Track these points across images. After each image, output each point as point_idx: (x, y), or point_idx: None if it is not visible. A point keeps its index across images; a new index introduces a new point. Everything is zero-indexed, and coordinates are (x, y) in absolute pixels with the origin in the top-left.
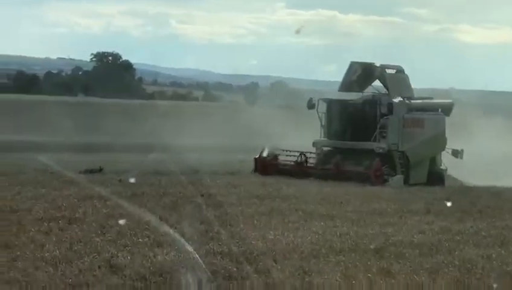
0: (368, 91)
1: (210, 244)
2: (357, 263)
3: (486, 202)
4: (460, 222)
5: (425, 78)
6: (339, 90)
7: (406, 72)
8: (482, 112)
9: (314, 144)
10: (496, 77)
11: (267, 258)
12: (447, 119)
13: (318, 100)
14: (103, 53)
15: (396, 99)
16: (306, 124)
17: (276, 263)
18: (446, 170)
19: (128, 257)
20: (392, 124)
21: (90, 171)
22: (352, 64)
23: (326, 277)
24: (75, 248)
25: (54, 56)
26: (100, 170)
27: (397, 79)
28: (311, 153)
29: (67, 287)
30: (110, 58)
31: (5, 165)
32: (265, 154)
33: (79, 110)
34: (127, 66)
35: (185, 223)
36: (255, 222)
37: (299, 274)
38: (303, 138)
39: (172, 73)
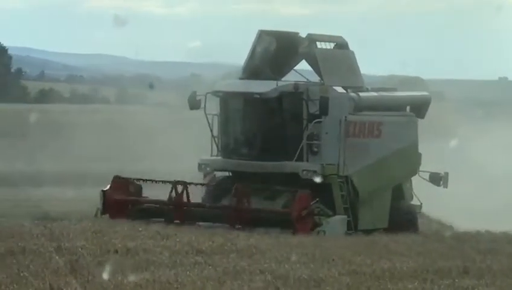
0: (289, 79)
1: None
2: None
3: None
4: None
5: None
6: (241, 78)
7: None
8: None
9: (200, 167)
10: None
11: None
12: (422, 124)
13: (206, 94)
14: None
15: (335, 91)
16: None
17: None
18: (421, 206)
19: None
20: (327, 132)
21: None
22: (262, 35)
23: None
24: None
25: None
26: None
27: (336, 58)
28: (198, 185)
29: None
30: None
31: None
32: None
33: None
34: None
35: None
36: None
37: None
38: None
39: (68, 62)
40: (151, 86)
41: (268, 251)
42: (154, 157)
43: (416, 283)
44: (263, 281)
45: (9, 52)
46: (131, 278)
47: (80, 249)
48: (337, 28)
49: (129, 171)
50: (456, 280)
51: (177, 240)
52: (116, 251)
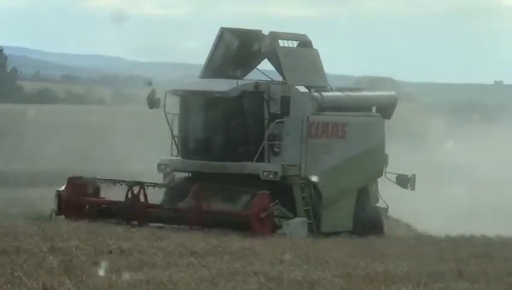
0: (252, 78)
1: None
2: None
3: None
4: None
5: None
6: (200, 77)
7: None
8: None
9: (159, 167)
10: None
11: None
12: (388, 124)
13: (166, 93)
14: None
15: (297, 91)
16: None
17: None
18: (387, 209)
19: None
20: (289, 133)
21: None
22: (224, 33)
23: None
24: None
25: None
26: None
27: (299, 57)
28: (157, 185)
29: None
30: None
31: None
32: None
33: None
34: None
35: None
36: None
37: None
38: None
39: (64, 62)
40: (149, 84)
41: (262, 252)
42: (148, 158)
43: (409, 286)
44: (257, 283)
45: (4, 52)
46: (125, 278)
47: (73, 250)
48: (328, 30)
49: (121, 172)
50: (450, 284)
51: (171, 241)
52: (111, 252)
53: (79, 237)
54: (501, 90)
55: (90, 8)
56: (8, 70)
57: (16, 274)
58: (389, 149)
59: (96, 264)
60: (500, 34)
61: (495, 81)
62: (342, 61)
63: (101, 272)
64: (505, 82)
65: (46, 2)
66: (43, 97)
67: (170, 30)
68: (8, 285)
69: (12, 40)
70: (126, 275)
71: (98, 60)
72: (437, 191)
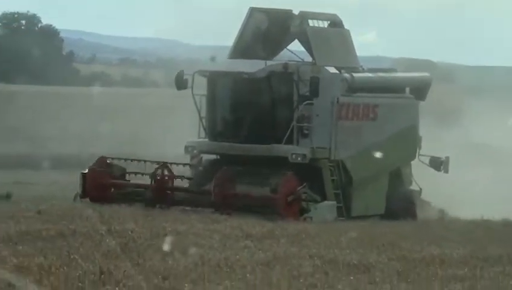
0: (282, 59)
1: None
2: None
3: None
4: None
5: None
6: (229, 58)
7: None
8: None
9: (186, 149)
10: None
11: None
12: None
13: (194, 74)
14: (12, 14)
15: (327, 72)
16: None
17: None
18: (420, 191)
19: None
20: (318, 114)
21: None
22: (253, 13)
23: None
24: None
25: None
26: (7, 196)
27: (329, 37)
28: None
29: None
30: (23, 21)
31: None
32: (102, 167)
33: None
34: (51, 34)
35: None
36: (248, 276)
37: None
38: None
39: (121, 45)
40: (213, 59)
41: (318, 236)
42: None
43: (466, 270)
44: (312, 266)
45: (61, 35)
46: (181, 261)
47: (130, 232)
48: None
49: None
50: (507, 268)
51: (227, 224)
52: (166, 234)
53: (135, 220)
54: None
55: None
56: (64, 53)
57: (72, 257)
58: (424, 131)
59: (152, 246)
60: None
61: None
62: (390, 43)
63: (158, 255)
64: None
65: None
66: (99, 80)
67: (225, 14)
68: (65, 267)
69: (69, 23)
70: (182, 258)
71: (154, 43)
72: (474, 174)
